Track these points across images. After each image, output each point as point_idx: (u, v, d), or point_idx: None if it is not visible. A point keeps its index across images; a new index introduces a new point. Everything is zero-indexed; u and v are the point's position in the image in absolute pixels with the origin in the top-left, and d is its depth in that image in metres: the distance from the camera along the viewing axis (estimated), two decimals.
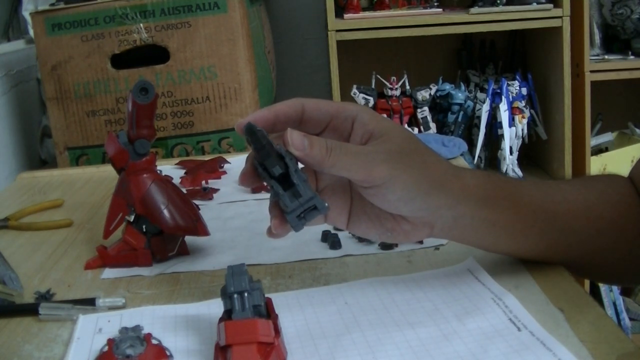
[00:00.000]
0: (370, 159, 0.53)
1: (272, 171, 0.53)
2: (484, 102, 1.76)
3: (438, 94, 1.77)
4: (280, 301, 0.58)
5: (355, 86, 1.70)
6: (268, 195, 0.56)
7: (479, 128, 1.77)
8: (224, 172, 1.07)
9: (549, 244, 0.62)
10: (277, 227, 0.54)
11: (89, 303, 0.63)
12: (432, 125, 1.70)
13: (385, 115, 1.64)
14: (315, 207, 0.53)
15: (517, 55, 2.00)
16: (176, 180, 0.98)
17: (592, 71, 1.73)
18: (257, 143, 0.53)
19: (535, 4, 1.69)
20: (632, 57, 1.79)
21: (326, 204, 0.54)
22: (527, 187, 0.63)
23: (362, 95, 1.69)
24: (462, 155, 1.10)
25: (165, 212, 0.72)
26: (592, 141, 1.88)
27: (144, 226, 0.73)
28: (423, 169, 0.55)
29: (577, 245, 0.62)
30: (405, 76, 1.71)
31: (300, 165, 0.55)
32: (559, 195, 0.63)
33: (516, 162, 1.79)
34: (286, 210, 0.53)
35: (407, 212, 0.56)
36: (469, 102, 1.78)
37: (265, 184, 0.55)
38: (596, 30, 1.84)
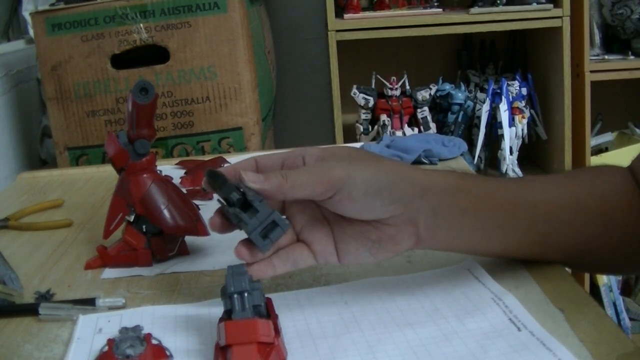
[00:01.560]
0: (323, 168, 0.56)
1: (230, 197, 0.55)
2: (484, 102, 1.76)
3: (438, 94, 1.77)
4: (280, 301, 0.58)
5: (355, 86, 1.70)
6: None
7: (479, 128, 1.77)
8: None
9: (538, 237, 0.62)
10: (245, 254, 0.56)
11: (89, 303, 0.63)
12: (432, 125, 1.70)
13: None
14: (275, 222, 0.54)
15: (517, 55, 2.00)
16: (176, 180, 0.98)
17: (592, 71, 1.73)
18: (213, 184, 0.56)
19: (535, 4, 1.69)
20: (632, 57, 1.79)
21: (286, 221, 0.55)
22: (499, 181, 0.64)
23: (362, 95, 1.69)
24: (462, 155, 1.10)
25: (165, 212, 0.72)
26: (592, 141, 1.88)
27: (144, 226, 0.73)
28: (378, 164, 0.57)
29: (567, 236, 0.62)
30: (405, 76, 1.71)
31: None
32: (538, 187, 0.63)
33: (516, 162, 1.79)
34: (248, 230, 0.54)
35: (379, 207, 0.56)
36: (469, 102, 1.78)
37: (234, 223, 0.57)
38: (596, 30, 1.84)
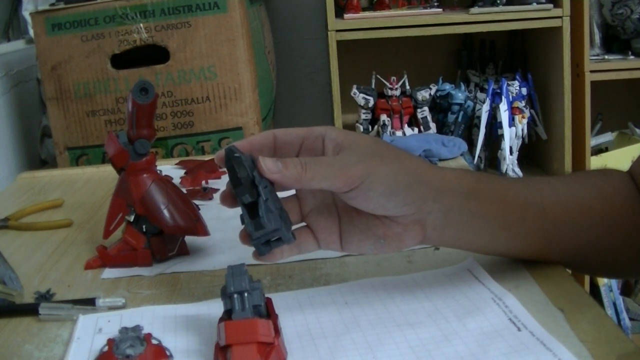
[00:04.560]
0: (344, 163, 0.55)
1: (241, 199, 0.54)
2: (484, 102, 1.76)
3: (438, 94, 1.77)
4: (280, 301, 0.58)
5: (355, 86, 1.70)
6: None
7: (479, 128, 1.77)
8: (224, 172, 1.07)
9: (543, 239, 0.62)
10: (242, 239, 0.57)
11: (89, 303, 0.63)
12: (432, 125, 1.70)
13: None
14: (281, 238, 0.54)
15: (517, 55, 2.00)
16: (176, 180, 0.98)
17: (592, 71, 1.73)
18: (230, 170, 0.55)
19: (535, 4, 1.69)
20: (632, 57, 1.79)
21: (292, 237, 0.55)
22: (511, 182, 0.64)
23: (362, 95, 1.69)
24: (462, 155, 1.10)
25: (165, 212, 0.72)
26: (592, 141, 1.88)
27: (144, 226, 0.73)
28: (398, 163, 0.57)
29: (572, 239, 0.62)
30: (405, 76, 1.71)
31: (282, 194, 0.57)
32: (548, 189, 0.63)
33: (516, 162, 1.79)
34: (251, 238, 0.54)
35: (392, 208, 0.56)
36: (469, 102, 1.78)
37: None
38: (596, 30, 1.84)
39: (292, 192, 0.60)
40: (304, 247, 0.59)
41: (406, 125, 1.68)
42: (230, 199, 0.57)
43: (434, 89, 1.71)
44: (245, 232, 0.56)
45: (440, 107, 1.80)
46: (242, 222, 0.55)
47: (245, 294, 0.52)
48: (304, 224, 0.60)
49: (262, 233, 0.54)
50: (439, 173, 0.59)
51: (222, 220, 0.83)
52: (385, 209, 0.56)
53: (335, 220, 0.59)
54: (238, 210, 0.56)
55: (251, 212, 0.54)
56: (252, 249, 0.56)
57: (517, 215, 0.60)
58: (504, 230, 0.61)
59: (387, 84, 1.69)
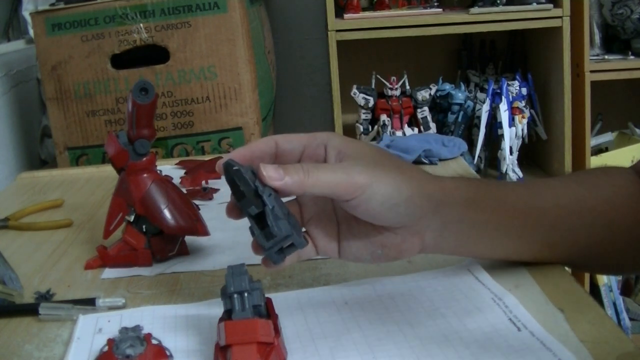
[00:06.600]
0: (347, 171, 0.54)
1: (247, 212, 0.53)
2: (484, 102, 1.76)
3: (438, 94, 1.77)
4: (280, 301, 0.58)
5: (355, 86, 1.70)
6: None
7: (479, 128, 1.77)
8: None
9: (544, 242, 0.62)
10: (255, 249, 0.56)
11: (89, 303, 0.63)
12: (432, 125, 1.70)
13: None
14: (293, 244, 0.54)
15: (517, 55, 2.00)
16: (176, 180, 0.98)
17: (592, 71, 1.73)
18: (231, 184, 0.54)
19: (535, 4, 1.69)
20: (632, 57, 1.79)
21: (304, 240, 0.54)
22: (511, 187, 0.64)
23: (362, 95, 1.69)
24: (462, 155, 1.10)
25: (166, 212, 0.72)
26: (592, 141, 1.88)
27: (144, 226, 0.73)
28: (400, 174, 0.56)
29: (573, 241, 0.62)
30: (405, 76, 1.71)
31: (284, 200, 0.56)
32: (547, 192, 0.63)
33: (516, 162, 1.79)
34: (263, 248, 0.54)
35: (392, 218, 0.56)
36: (469, 102, 1.78)
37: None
38: (596, 30, 1.84)
39: (293, 197, 0.60)
40: (304, 253, 0.59)
41: (406, 125, 1.68)
42: (235, 211, 0.56)
43: (434, 89, 1.71)
44: (256, 244, 0.55)
45: (440, 107, 1.80)
46: (252, 233, 0.54)
47: (245, 294, 0.52)
48: (303, 229, 0.60)
49: (274, 242, 0.53)
50: (439, 184, 0.58)
51: (222, 220, 0.83)
52: (385, 219, 0.56)
53: (334, 228, 0.59)
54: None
55: (259, 222, 0.53)
56: (250, 249, 0.56)
57: (518, 221, 0.60)
58: (504, 237, 0.60)
59: (387, 84, 1.69)
